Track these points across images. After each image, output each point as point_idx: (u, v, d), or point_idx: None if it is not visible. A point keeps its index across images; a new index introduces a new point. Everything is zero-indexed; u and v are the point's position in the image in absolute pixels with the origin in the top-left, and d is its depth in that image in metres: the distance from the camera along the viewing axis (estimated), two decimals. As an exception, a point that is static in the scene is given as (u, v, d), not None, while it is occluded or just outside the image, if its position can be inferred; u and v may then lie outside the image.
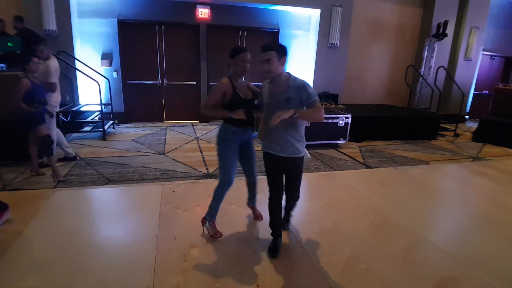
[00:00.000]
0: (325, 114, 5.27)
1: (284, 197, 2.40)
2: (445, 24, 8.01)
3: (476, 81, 9.42)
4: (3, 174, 3.75)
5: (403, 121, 6.53)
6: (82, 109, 6.09)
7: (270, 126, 2.08)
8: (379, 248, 2.53)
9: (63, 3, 5.84)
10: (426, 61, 8.43)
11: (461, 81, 8.46)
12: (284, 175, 2.34)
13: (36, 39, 5.37)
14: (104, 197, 3.38)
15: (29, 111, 3.36)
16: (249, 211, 3.01)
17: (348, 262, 2.33)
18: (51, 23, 5.78)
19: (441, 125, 7.22)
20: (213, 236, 2.55)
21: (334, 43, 7.41)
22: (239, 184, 2.90)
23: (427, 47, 8.36)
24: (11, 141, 3.99)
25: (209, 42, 7.03)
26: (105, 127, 5.61)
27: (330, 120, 5.42)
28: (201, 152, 4.98)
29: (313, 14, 7.38)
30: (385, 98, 8.84)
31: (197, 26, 6.92)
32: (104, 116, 5.74)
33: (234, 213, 2.97)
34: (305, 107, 2.13)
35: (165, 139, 5.76)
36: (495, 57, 9.70)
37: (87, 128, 6.02)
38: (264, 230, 2.73)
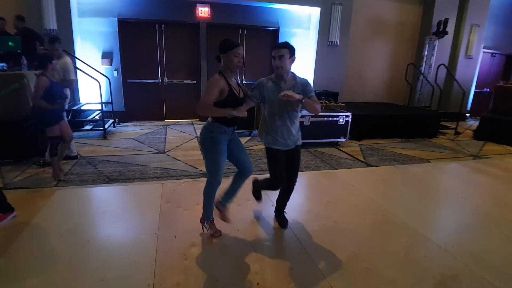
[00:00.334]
0: (326, 112, 5.38)
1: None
2: (446, 22, 7.98)
3: (477, 79, 9.40)
4: (4, 173, 3.75)
5: (404, 119, 6.52)
6: (82, 108, 6.09)
7: (281, 97, 2.19)
8: (379, 246, 2.53)
9: (63, 3, 5.83)
10: (426, 59, 8.40)
11: (462, 79, 8.43)
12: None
13: (37, 38, 5.40)
14: (104, 195, 3.38)
15: (50, 108, 3.36)
16: (248, 210, 3.01)
17: (349, 260, 2.33)
18: (51, 22, 5.78)
19: (442, 123, 7.20)
20: (213, 235, 2.55)
21: (334, 41, 7.40)
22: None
23: (427, 45, 8.33)
24: (12, 141, 3.99)
25: (209, 41, 7.02)
26: (106, 126, 5.61)
27: (330, 119, 5.41)
28: (201, 151, 4.98)
29: (313, 12, 7.37)
30: (386, 96, 8.83)
31: (197, 24, 6.91)
32: (104, 115, 5.75)
33: (234, 211, 2.97)
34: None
35: (165, 137, 5.76)
36: (496, 54, 9.68)
37: (88, 127, 6.03)
38: (264, 228, 2.73)
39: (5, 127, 3.94)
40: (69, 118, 5.65)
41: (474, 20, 8.55)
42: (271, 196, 3.29)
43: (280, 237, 2.62)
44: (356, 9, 7.62)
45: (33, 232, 2.54)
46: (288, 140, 2.43)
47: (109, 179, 3.69)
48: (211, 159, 2.33)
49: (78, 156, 4.39)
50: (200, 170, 4.11)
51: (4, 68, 4.33)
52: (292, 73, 2.43)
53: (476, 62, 9.11)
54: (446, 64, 8.40)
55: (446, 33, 8.08)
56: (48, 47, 4.25)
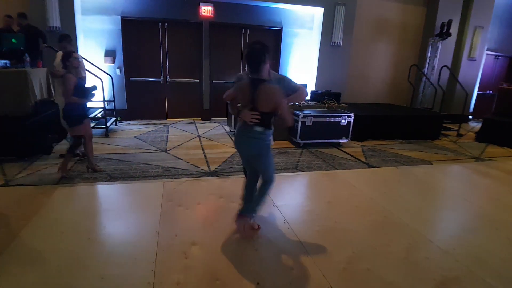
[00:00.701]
0: (328, 113, 5.37)
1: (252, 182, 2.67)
2: (449, 23, 7.95)
3: (480, 80, 9.35)
4: (6, 170, 3.77)
5: (406, 120, 6.50)
6: (84, 105, 6.09)
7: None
8: (380, 247, 2.52)
9: (67, 0, 5.85)
10: (429, 60, 8.38)
11: (465, 80, 8.40)
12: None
13: (40, 35, 5.42)
14: (105, 193, 3.39)
15: (83, 103, 3.50)
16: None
17: (349, 261, 2.32)
18: (55, 20, 5.80)
19: (444, 125, 7.18)
20: (256, 229, 2.60)
21: (337, 42, 7.39)
22: (240, 181, 2.91)
23: (430, 46, 8.31)
24: (15, 137, 4.00)
25: (212, 40, 7.03)
26: (108, 124, 5.63)
27: (332, 119, 5.40)
28: (203, 150, 4.98)
29: (316, 13, 7.36)
30: (388, 97, 8.81)
31: (200, 23, 6.92)
32: (107, 113, 5.75)
33: (234, 211, 2.96)
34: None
35: (167, 136, 5.77)
36: (499, 57, 9.64)
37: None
38: (265, 228, 2.73)
39: (8, 123, 3.95)
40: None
41: (478, 22, 8.52)
42: (273, 197, 3.29)
43: (280, 237, 2.62)
44: (359, 10, 7.61)
45: (34, 229, 2.54)
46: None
47: (110, 177, 3.69)
48: (271, 163, 2.51)
49: (80, 154, 4.39)
50: (202, 169, 4.12)
51: (7, 65, 4.34)
52: (270, 70, 2.43)
53: (479, 64, 9.08)
54: (449, 65, 8.38)
55: (450, 34, 8.05)
56: (57, 46, 4.27)
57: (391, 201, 3.40)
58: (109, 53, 6.57)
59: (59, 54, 4.16)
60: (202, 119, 7.45)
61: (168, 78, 7.10)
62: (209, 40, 7.01)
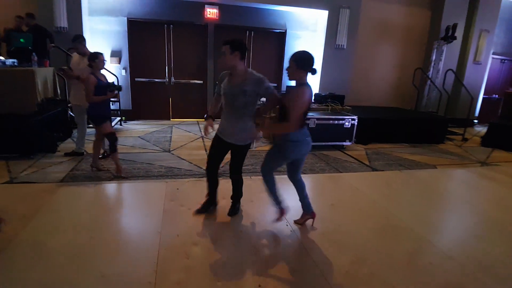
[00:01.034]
0: (332, 115, 5.35)
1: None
2: (454, 26, 7.91)
3: (486, 84, 9.28)
4: (11, 167, 3.80)
5: (410, 124, 6.47)
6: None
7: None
8: (383, 251, 2.50)
9: (74, 1, 5.92)
10: (434, 63, 8.34)
11: (470, 84, 8.34)
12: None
13: (47, 35, 5.49)
14: (109, 192, 3.40)
15: (106, 99, 3.57)
16: (251, 211, 3.00)
17: (352, 264, 2.30)
18: (62, 20, 5.87)
19: (449, 129, 7.12)
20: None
21: (341, 45, 7.38)
22: (244, 183, 2.90)
23: (435, 50, 8.27)
24: (20, 135, 4.04)
25: (216, 42, 7.05)
26: (113, 124, 5.64)
27: (336, 122, 5.38)
28: (206, 151, 4.99)
29: (321, 15, 7.36)
30: (392, 101, 8.77)
31: (205, 26, 6.95)
32: (111, 112, 5.78)
33: (240, 212, 2.97)
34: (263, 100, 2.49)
35: (170, 136, 5.79)
36: (505, 60, 9.56)
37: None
38: (267, 230, 2.72)
39: (14, 121, 3.99)
40: (76, 115, 5.72)
41: (483, 26, 8.46)
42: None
43: (283, 239, 2.61)
44: (364, 13, 7.60)
45: (38, 226, 2.56)
46: (229, 135, 2.56)
47: (114, 176, 3.71)
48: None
49: (84, 153, 4.42)
50: (205, 170, 4.10)
51: (15, 64, 4.40)
52: (249, 70, 2.49)
53: (485, 68, 9.01)
54: (454, 69, 8.32)
55: (455, 38, 8.00)
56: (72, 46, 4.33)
57: (395, 205, 3.38)
58: (115, 54, 6.62)
59: (75, 55, 4.21)
60: (205, 120, 7.45)
61: (172, 79, 7.14)
62: (213, 42, 7.03)
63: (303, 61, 2.33)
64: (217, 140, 2.67)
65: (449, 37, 8.00)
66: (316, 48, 7.57)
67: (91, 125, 4.46)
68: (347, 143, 5.59)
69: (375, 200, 3.46)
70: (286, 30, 7.40)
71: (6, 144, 4.06)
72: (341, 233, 2.75)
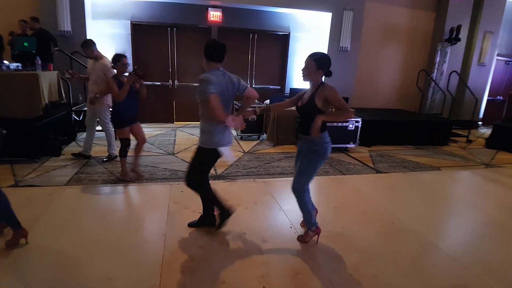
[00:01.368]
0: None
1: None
2: (458, 28, 7.88)
3: (490, 86, 9.23)
4: (16, 170, 3.83)
5: (414, 126, 6.44)
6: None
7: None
8: (387, 253, 2.49)
9: (78, 5, 5.97)
10: (438, 65, 8.30)
11: (474, 86, 8.30)
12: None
13: (51, 39, 5.54)
14: (113, 195, 3.41)
15: (132, 88, 3.53)
16: (255, 213, 3.00)
17: (356, 267, 2.30)
18: (66, 24, 5.92)
19: (453, 131, 7.09)
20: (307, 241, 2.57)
21: (345, 47, 7.39)
22: (247, 185, 2.91)
23: (439, 52, 8.24)
24: (25, 139, 4.07)
25: (219, 45, 7.07)
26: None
27: (340, 124, 5.37)
28: (210, 153, 4.99)
29: (324, 18, 7.36)
30: (396, 103, 8.75)
31: (208, 28, 6.98)
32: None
33: (241, 214, 2.97)
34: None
35: (174, 139, 5.81)
36: (510, 62, 9.50)
37: (99, 128, 6.09)
38: (271, 232, 2.72)
39: (19, 125, 4.02)
40: (80, 118, 5.76)
41: (488, 27, 8.43)
42: (279, 200, 3.29)
43: (287, 242, 2.60)
44: (367, 15, 7.61)
45: (43, 229, 2.58)
46: None
47: (118, 179, 3.73)
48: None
49: (90, 157, 4.45)
50: (208, 172, 4.12)
51: (19, 67, 4.44)
52: (223, 71, 2.62)
53: (489, 70, 8.96)
54: (459, 71, 8.28)
55: (459, 39, 7.98)
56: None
57: (399, 207, 3.37)
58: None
59: (90, 60, 4.26)
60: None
61: (176, 82, 7.17)
62: (217, 45, 7.05)
63: (324, 61, 2.33)
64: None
65: (453, 39, 7.97)
66: (320, 50, 7.55)
67: (100, 129, 4.51)
68: (351, 145, 5.57)
69: (379, 203, 3.45)
70: (289, 33, 7.42)
71: (11, 148, 4.07)
72: (345, 235, 2.74)
